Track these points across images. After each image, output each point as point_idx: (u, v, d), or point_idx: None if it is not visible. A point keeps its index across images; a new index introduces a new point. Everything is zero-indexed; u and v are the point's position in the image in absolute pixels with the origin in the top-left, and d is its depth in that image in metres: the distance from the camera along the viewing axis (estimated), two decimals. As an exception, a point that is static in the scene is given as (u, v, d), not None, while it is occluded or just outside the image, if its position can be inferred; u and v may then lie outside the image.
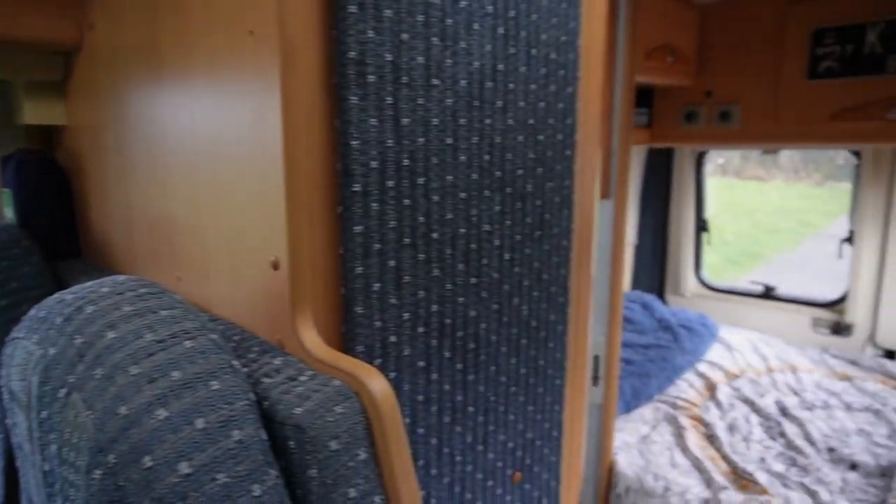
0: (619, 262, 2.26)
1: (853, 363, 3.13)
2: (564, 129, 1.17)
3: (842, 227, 3.43)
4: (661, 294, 4.09)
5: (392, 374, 0.92)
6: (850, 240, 3.27)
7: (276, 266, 0.82)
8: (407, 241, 0.91)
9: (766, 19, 2.78)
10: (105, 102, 1.34)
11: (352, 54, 0.81)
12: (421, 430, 0.99)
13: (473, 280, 1.02)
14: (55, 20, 1.38)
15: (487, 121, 1.01)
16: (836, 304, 3.40)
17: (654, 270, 4.08)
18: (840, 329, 3.35)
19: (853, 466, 2.30)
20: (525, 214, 1.11)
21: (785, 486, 2.20)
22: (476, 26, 0.97)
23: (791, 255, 11.27)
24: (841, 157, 3.07)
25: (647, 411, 2.77)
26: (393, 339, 0.92)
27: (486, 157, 1.01)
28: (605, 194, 2.22)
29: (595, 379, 2.29)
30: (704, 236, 3.94)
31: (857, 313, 3.28)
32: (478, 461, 1.10)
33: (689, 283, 3.99)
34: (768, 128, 2.83)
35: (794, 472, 2.29)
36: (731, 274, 10.34)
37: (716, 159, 10.34)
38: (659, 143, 3.33)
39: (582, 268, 1.27)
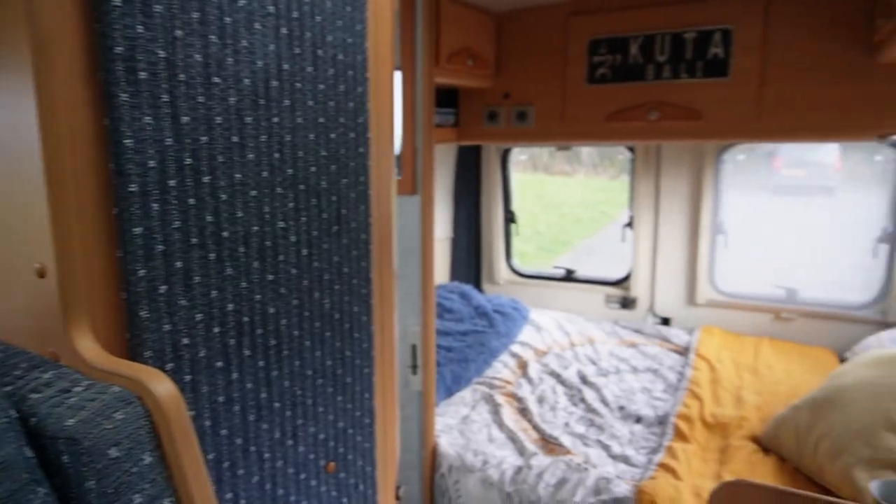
0: (428, 254, 2.37)
1: (638, 331, 3.60)
2: (357, 128, 1.22)
3: (626, 216, 3.91)
4: (478, 283, 4.35)
5: (187, 378, 0.91)
6: (630, 225, 3.75)
7: (42, 274, 0.77)
8: (195, 240, 0.89)
9: (552, 29, 3.08)
10: None
11: (119, 50, 0.78)
12: (224, 432, 0.98)
13: (270, 277, 1.03)
14: None
15: (275, 119, 1.02)
16: (623, 282, 3.88)
17: (471, 261, 4.33)
18: (627, 303, 3.83)
19: (638, 420, 2.65)
20: (321, 210, 1.14)
21: (585, 444, 2.47)
22: (258, 25, 0.98)
23: (591, 241, 12.51)
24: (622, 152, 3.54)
25: (467, 394, 2.94)
26: (186, 341, 0.90)
27: (277, 156, 1.03)
28: (412, 190, 2.32)
29: (414, 367, 2.39)
30: (513, 227, 4.26)
31: (638, 288, 3.77)
32: (288, 456, 1.11)
33: (502, 271, 4.29)
34: (557, 127, 3.15)
35: (593, 431, 2.59)
36: (544, 260, 11.24)
37: (518, 156, 11.17)
38: (465, 142, 3.54)
39: (383, 259, 1.33)
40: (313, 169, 1.11)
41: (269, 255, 1.03)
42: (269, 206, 1.01)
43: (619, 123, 2.97)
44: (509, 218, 4.24)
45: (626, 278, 3.85)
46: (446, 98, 3.39)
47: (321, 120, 1.12)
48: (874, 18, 2.34)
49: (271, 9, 1.00)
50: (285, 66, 1.03)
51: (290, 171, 1.06)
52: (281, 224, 1.05)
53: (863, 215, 3.28)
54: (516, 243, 4.34)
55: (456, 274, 4.31)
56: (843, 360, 3.00)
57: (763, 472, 2.13)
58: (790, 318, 3.35)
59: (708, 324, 3.50)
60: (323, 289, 1.15)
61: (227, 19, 0.92)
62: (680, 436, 2.41)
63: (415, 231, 2.36)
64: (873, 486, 1.18)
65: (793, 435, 2.17)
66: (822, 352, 3.11)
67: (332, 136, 1.15)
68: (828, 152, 8.48)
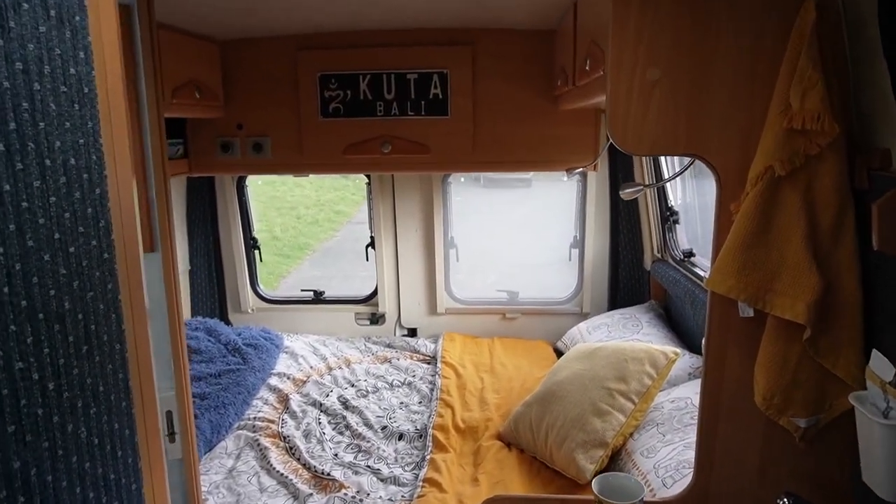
0: (176, 314, 2.21)
1: (389, 346, 3.82)
2: (99, 233, 1.11)
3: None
4: (223, 315, 4.14)
5: None
6: (372, 245, 3.94)
7: None
8: None
9: (281, 61, 3.07)
10: None
11: None
12: None
13: (11, 428, 0.90)
14: None
15: (0, 250, 0.89)
16: (370, 299, 4.06)
17: (213, 292, 4.10)
18: (376, 319, 4.02)
19: (400, 437, 2.84)
20: (66, 334, 1.02)
21: (356, 473, 2.57)
22: (-34, 148, 0.84)
23: (331, 242, 12.66)
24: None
25: (229, 442, 2.82)
26: None
27: (6, 290, 0.90)
28: (151, 247, 2.13)
29: (171, 435, 2.21)
30: (256, 253, 4.15)
31: (385, 304, 3.99)
32: None
33: (249, 299, 4.15)
34: (295, 158, 3.16)
35: (361, 457, 2.70)
36: (285, 267, 11.05)
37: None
38: (199, 174, 3.35)
39: (143, 375, 1.24)
40: (52, 292, 0.99)
41: (7, 404, 0.90)
42: (0, 349, 0.88)
43: (355, 156, 3.10)
44: (252, 244, 4.11)
45: (373, 295, 4.04)
46: (172, 128, 3.14)
47: (57, 236, 1.00)
48: (554, 77, 2.83)
49: (-19, 126, 0.86)
50: (6, 188, 0.90)
51: (23, 302, 0.93)
52: (19, 365, 0.92)
53: (557, 206, 3.99)
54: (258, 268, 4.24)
55: (198, 308, 4.04)
56: (556, 349, 3.59)
57: (510, 467, 2.48)
58: (514, 317, 3.89)
59: (449, 330, 3.87)
60: (78, 418, 1.04)
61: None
62: (438, 446, 2.66)
63: (158, 291, 2.17)
64: (594, 483, 1.48)
65: (528, 428, 2.56)
66: (541, 344, 3.68)
67: (72, 249, 1.04)
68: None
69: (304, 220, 13.86)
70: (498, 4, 2.48)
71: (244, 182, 3.98)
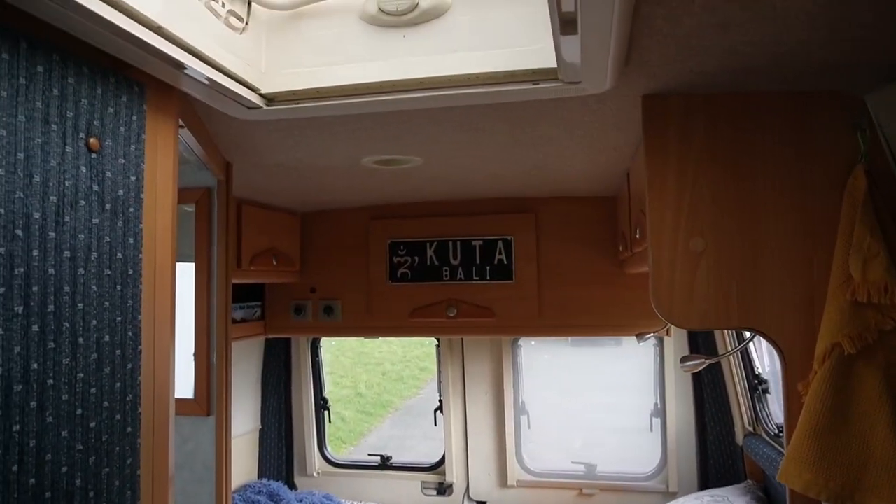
0: (225, 484, 2.18)
1: (454, 521, 3.54)
2: (125, 407, 1.13)
3: None
4: (289, 477, 4.06)
5: None
6: (440, 409, 3.83)
7: None
8: None
9: (354, 229, 3.27)
10: None
11: None
12: None
13: None
14: None
15: (16, 427, 0.91)
16: (439, 466, 3.87)
17: (281, 452, 4.06)
18: (443, 489, 3.79)
19: None
20: (75, 515, 1.01)
21: None
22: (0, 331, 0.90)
23: (414, 399, 12.47)
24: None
25: None
26: None
27: (15, 468, 0.91)
28: (206, 411, 2.17)
29: None
30: (325, 414, 4.13)
31: (453, 473, 3.78)
32: None
33: (315, 461, 4.07)
34: (364, 321, 3.23)
35: None
36: (366, 425, 10.90)
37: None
38: (272, 335, 3.47)
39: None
40: (65, 469, 0.99)
41: None
42: None
43: (421, 319, 3.13)
44: (322, 405, 4.12)
45: (441, 462, 3.85)
46: (251, 291, 3.34)
47: (79, 412, 1.03)
48: (616, 242, 2.82)
49: (19, 309, 0.93)
50: (34, 366, 0.95)
51: (31, 481, 0.93)
52: (16, 549, 0.90)
53: (640, 369, 3.74)
54: (330, 429, 4.19)
55: (265, 469, 3.99)
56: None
57: None
58: (591, 493, 3.55)
59: (520, 505, 3.58)
60: None
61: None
62: None
63: (209, 455, 2.18)
64: None
65: None
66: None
67: (93, 424, 1.06)
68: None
69: (389, 377, 13.89)
70: (559, 178, 2.56)
71: (318, 343, 4.08)
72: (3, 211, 0.90)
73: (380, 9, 1.34)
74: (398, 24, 1.36)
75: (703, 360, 2.19)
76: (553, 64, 1.26)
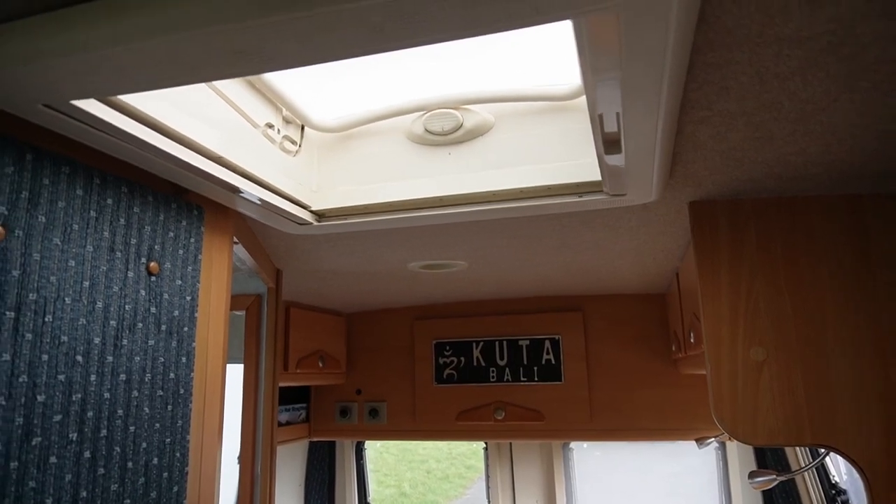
0: None
1: None
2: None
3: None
4: (331, 591, 3.86)
5: None
6: (490, 515, 3.64)
7: None
8: None
9: (399, 330, 3.27)
10: None
11: None
12: None
13: None
14: None
15: None
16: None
17: (324, 563, 3.89)
18: None
19: None
20: None
21: None
22: (54, 459, 0.90)
23: (460, 500, 11.94)
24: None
25: None
26: None
27: None
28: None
29: None
30: (370, 520, 3.97)
31: (504, 590, 3.53)
32: None
33: (359, 573, 3.88)
34: (409, 424, 3.16)
35: None
36: (410, 529, 10.42)
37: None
38: (317, 438, 3.42)
39: None
40: None
41: None
42: None
43: (468, 422, 3.04)
44: (365, 510, 3.97)
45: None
46: (297, 393, 3.33)
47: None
48: (669, 341, 2.73)
49: (73, 436, 0.94)
50: (83, 494, 0.95)
51: None
52: None
53: (704, 474, 3.49)
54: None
55: (307, 581, 3.81)
56: None
57: None
58: None
59: None
60: None
61: (14, 463, 0.85)
62: None
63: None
64: None
65: None
66: None
67: None
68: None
69: (433, 476, 13.40)
70: (607, 277, 2.53)
71: (363, 446, 3.99)
72: (66, 338, 0.93)
73: (426, 129, 1.40)
74: (444, 143, 1.41)
75: (775, 476, 2.03)
76: (597, 177, 1.28)
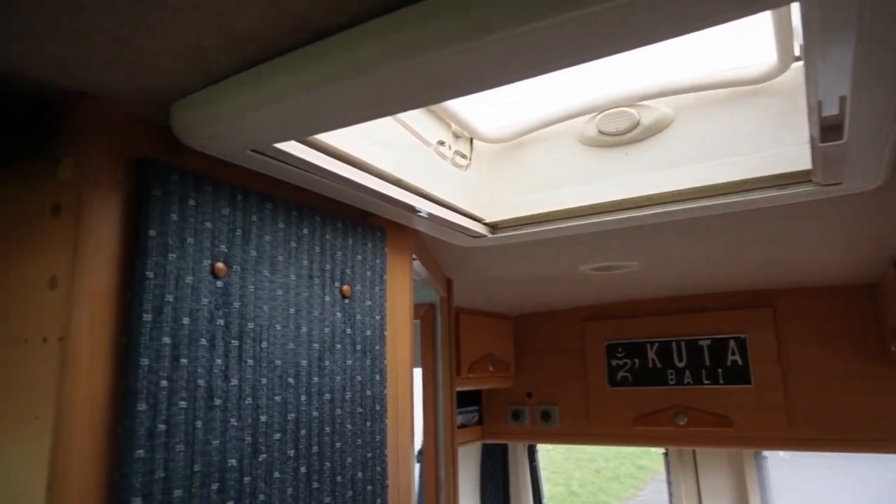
0: None
1: None
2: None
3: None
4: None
5: None
6: (674, 527, 3.43)
7: None
8: None
9: (568, 331, 3.19)
10: None
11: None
12: None
13: None
14: None
15: None
16: None
17: (504, 562, 3.92)
18: None
19: None
20: None
21: None
22: (277, 474, 0.98)
23: (634, 501, 11.52)
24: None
25: None
26: None
27: None
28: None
29: None
30: (546, 523, 3.94)
31: None
32: None
33: (536, 575, 3.86)
34: (583, 428, 3.08)
35: None
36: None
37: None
38: (490, 440, 3.46)
39: None
40: None
41: None
42: None
43: (646, 427, 2.89)
44: (541, 513, 3.94)
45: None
46: (469, 396, 3.39)
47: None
48: (884, 339, 2.38)
49: (291, 452, 1.01)
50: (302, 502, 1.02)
51: None
52: None
53: None
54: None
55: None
56: None
57: None
58: None
59: None
60: None
61: (247, 478, 0.93)
62: None
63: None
64: None
65: None
66: None
67: None
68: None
69: (603, 475, 13.07)
70: (801, 269, 2.27)
71: (535, 449, 3.97)
72: (279, 362, 1.01)
73: (599, 131, 1.34)
74: (620, 143, 1.33)
75: None
76: (801, 166, 1.13)
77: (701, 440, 2.81)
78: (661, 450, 3.54)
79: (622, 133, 1.31)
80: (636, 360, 2.98)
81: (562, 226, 1.41)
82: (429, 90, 0.75)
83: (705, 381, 2.79)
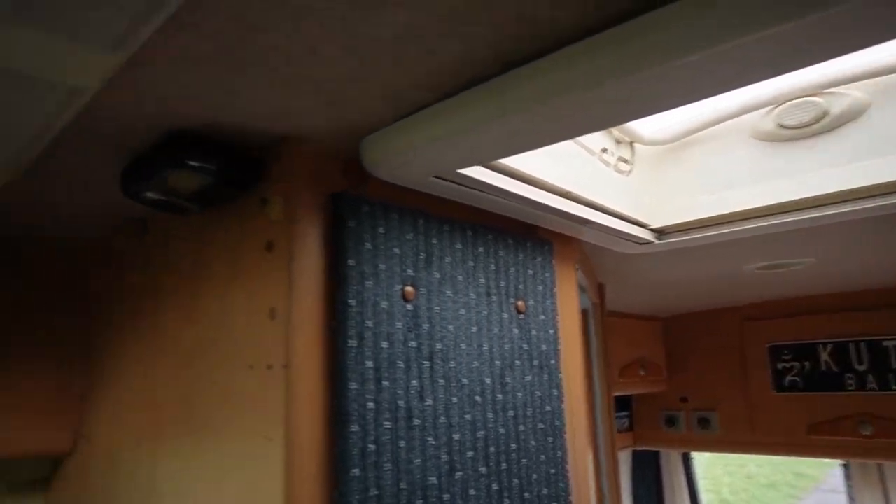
0: None
1: None
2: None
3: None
4: None
5: None
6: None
7: None
8: None
9: (725, 332, 3.00)
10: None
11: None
12: None
13: None
14: (51, 432, 1.41)
15: None
16: None
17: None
18: None
19: None
20: None
21: None
22: (472, 491, 1.00)
23: (796, 513, 10.61)
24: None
25: None
26: None
27: None
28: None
29: None
30: (705, 535, 3.73)
31: None
32: None
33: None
34: (747, 436, 2.88)
35: None
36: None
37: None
38: (642, 447, 3.33)
39: None
40: None
41: None
42: None
43: (823, 436, 2.64)
44: (700, 525, 3.74)
45: None
46: (619, 401, 3.29)
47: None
48: None
49: (482, 469, 1.03)
50: (496, 515, 1.04)
51: None
52: None
53: None
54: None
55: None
56: None
57: None
58: None
59: None
60: None
61: (446, 496, 0.96)
62: None
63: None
64: None
65: None
66: None
67: None
68: None
69: (755, 482, 12.15)
70: None
71: (690, 456, 3.77)
72: (466, 381, 1.04)
73: (779, 125, 1.24)
74: (803, 136, 1.23)
75: None
76: None
77: (892, 453, 2.52)
78: (832, 460, 3.23)
79: (807, 125, 1.21)
80: (806, 364, 2.73)
81: (738, 228, 1.32)
82: (621, 112, 0.74)
83: (893, 387, 2.50)
